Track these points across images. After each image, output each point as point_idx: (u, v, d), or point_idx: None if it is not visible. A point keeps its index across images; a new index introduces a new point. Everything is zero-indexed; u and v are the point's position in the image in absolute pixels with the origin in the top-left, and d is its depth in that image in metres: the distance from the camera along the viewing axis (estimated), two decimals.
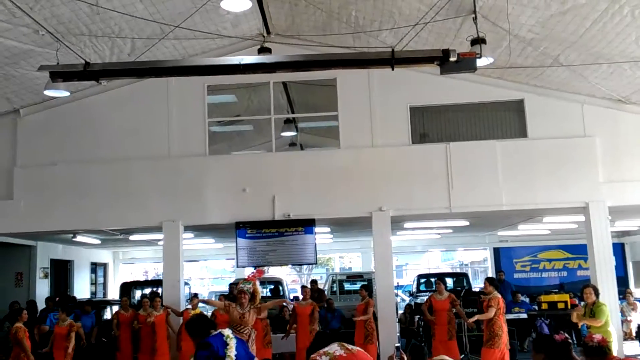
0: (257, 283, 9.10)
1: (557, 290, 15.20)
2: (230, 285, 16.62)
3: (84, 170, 11.96)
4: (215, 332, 5.40)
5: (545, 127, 11.76)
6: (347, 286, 17.14)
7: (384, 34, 10.55)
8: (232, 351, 5.27)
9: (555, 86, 11.66)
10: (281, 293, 17.00)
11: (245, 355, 5.49)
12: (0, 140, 12.29)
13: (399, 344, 6.04)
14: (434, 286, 16.91)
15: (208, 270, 28.90)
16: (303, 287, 12.32)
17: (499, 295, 9.68)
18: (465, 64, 6.68)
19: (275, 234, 11.59)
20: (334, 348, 4.53)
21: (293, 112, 14.03)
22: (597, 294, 8.77)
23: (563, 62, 10.32)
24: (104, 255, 21.36)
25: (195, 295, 12.80)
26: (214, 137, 12.92)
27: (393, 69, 6.87)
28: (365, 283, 14.56)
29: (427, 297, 12.03)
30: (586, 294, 8.78)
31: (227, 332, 5.44)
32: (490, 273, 21.19)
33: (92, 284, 20.23)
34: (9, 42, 9.42)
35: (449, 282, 18.31)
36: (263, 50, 10.28)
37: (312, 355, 4.41)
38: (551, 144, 11.62)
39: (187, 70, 7.66)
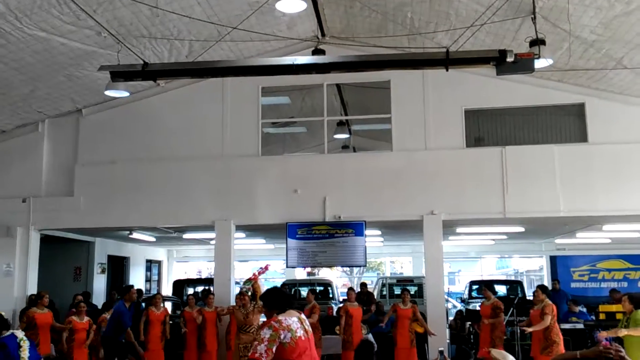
0: (259, 282, 9.99)
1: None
2: (282, 285, 16.74)
3: (141, 168, 12.28)
4: (8, 333, 5.46)
5: (607, 131, 11.39)
6: (397, 290, 16.98)
7: (439, 36, 10.42)
8: (25, 353, 5.43)
9: (618, 90, 11.26)
10: (330, 295, 16.98)
11: (36, 358, 5.67)
12: (64, 138, 12.75)
13: (442, 348, 5.94)
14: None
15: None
16: (348, 290, 12.12)
17: (551, 302, 9.45)
18: (523, 65, 6.52)
19: (325, 235, 11.60)
20: (296, 325, 4.31)
21: (346, 115, 14.01)
22: (634, 303, 8.19)
23: (627, 64, 9.96)
24: (158, 253, 21.84)
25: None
26: (267, 139, 13.05)
27: (447, 70, 6.78)
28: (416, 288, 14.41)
29: (479, 303, 11.82)
30: (623, 302, 8.34)
31: (20, 334, 5.58)
32: (546, 282, 20.57)
33: (146, 280, 20.71)
34: (73, 43, 9.77)
35: (502, 289, 17.89)
36: (317, 52, 10.28)
37: (270, 320, 4.30)
38: (613, 149, 11.24)
39: (241, 71, 7.76)
